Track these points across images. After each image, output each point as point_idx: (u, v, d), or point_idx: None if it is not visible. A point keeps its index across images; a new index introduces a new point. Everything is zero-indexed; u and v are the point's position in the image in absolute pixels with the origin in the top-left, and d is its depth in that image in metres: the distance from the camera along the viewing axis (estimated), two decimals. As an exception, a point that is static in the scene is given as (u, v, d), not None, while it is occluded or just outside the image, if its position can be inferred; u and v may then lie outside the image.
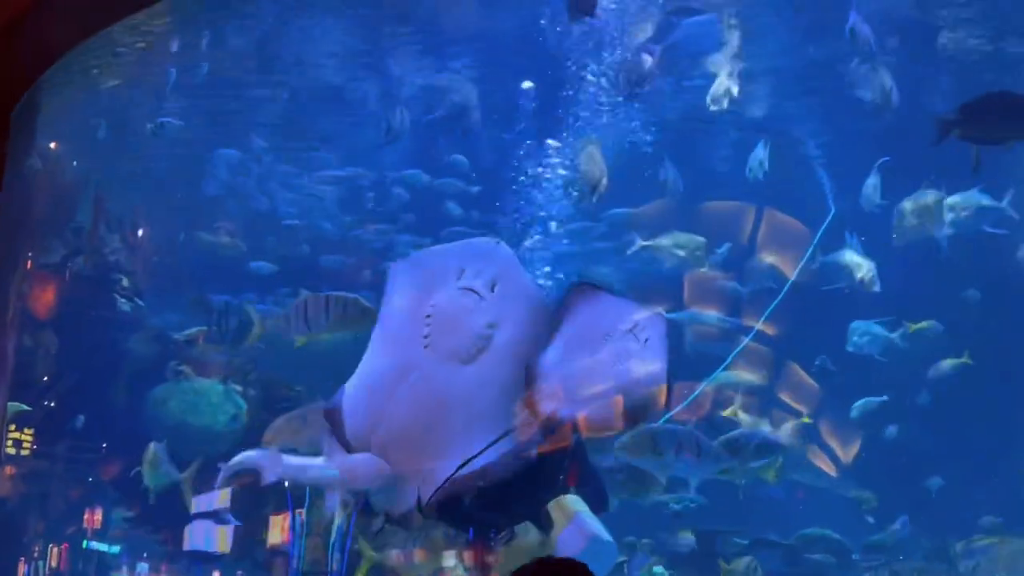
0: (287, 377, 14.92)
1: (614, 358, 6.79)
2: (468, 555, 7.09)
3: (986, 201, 12.49)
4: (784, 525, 14.02)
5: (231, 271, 16.03)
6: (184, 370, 14.49)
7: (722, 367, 13.43)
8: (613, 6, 11.69)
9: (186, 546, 12.04)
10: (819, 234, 13.63)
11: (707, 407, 13.20)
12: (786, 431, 13.34)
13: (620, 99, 12.29)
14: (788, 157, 13.58)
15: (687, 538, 13.44)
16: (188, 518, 12.06)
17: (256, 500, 11.94)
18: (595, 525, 7.49)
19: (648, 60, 11.05)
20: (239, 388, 14.72)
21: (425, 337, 5.35)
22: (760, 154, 12.64)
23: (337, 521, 9.44)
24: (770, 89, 13.76)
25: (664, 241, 12.88)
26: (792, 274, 13.57)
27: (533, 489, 6.92)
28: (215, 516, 11.92)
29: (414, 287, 5.53)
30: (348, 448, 5.80)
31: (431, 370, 5.38)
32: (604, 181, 10.91)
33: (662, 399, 7.85)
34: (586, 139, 11.58)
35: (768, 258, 14.05)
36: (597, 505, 7.52)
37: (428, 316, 5.38)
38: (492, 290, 5.31)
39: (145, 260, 16.14)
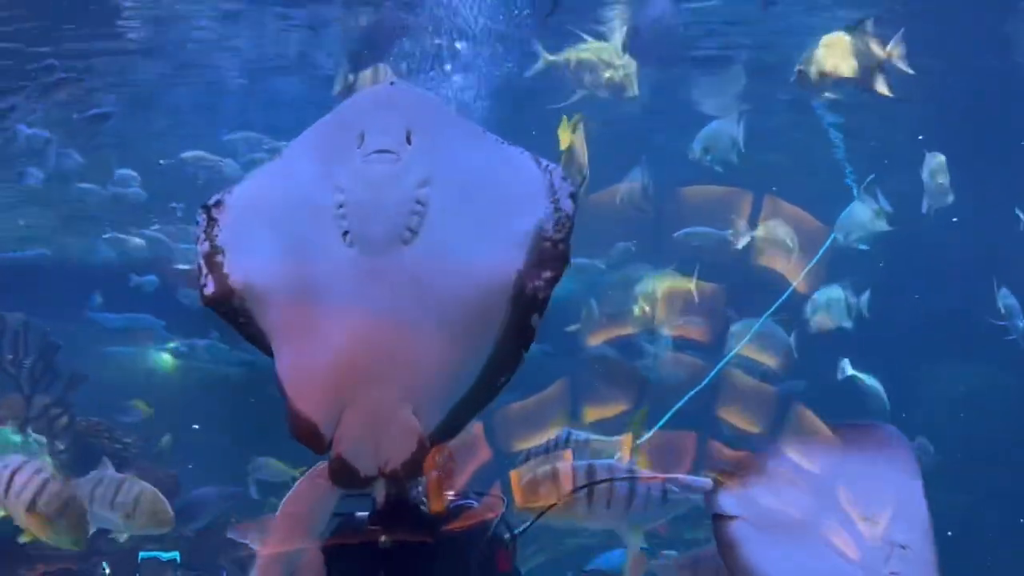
0: (113, 423, 13.20)
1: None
2: None
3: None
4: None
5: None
6: None
7: (683, 401, 11.11)
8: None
9: None
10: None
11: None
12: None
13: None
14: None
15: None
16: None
17: None
18: None
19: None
20: (43, 439, 11.93)
21: (345, 234, 4.02)
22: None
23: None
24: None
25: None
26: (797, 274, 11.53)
27: None
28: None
29: (309, 180, 4.21)
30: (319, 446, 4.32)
31: (365, 271, 4.07)
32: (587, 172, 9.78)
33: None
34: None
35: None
36: None
37: (340, 207, 4.04)
38: (408, 142, 4.05)
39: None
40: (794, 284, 11.92)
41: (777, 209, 11.80)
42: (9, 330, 11.88)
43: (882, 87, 9.32)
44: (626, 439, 9.92)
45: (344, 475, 4.27)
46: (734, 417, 12.56)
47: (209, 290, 4.21)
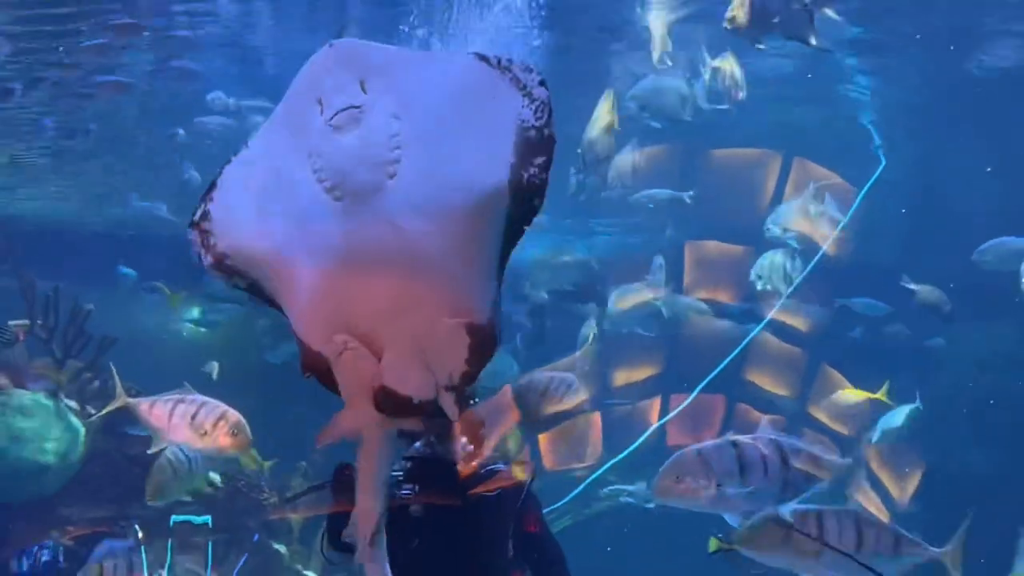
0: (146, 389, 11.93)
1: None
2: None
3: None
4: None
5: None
6: None
7: (728, 359, 11.64)
8: None
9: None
10: (865, 189, 11.97)
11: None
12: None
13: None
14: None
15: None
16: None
17: None
18: None
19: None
20: (75, 405, 11.86)
21: (331, 191, 4.11)
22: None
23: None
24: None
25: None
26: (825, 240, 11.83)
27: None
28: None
29: (285, 155, 4.27)
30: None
31: (363, 216, 4.16)
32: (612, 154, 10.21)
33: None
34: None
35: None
36: None
37: (319, 171, 4.12)
38: (364, 91, 4.11)
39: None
40: (824, 248, 11.90)
41: (806, 171, 11.74)
42: (40, 295, 11.76)
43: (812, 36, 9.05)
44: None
45: (399, 407, 4.33)
46: (764, 380, 12.58)
47: (207, 261, 4.33)
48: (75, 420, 11.65)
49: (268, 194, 4.30)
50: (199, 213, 4.36)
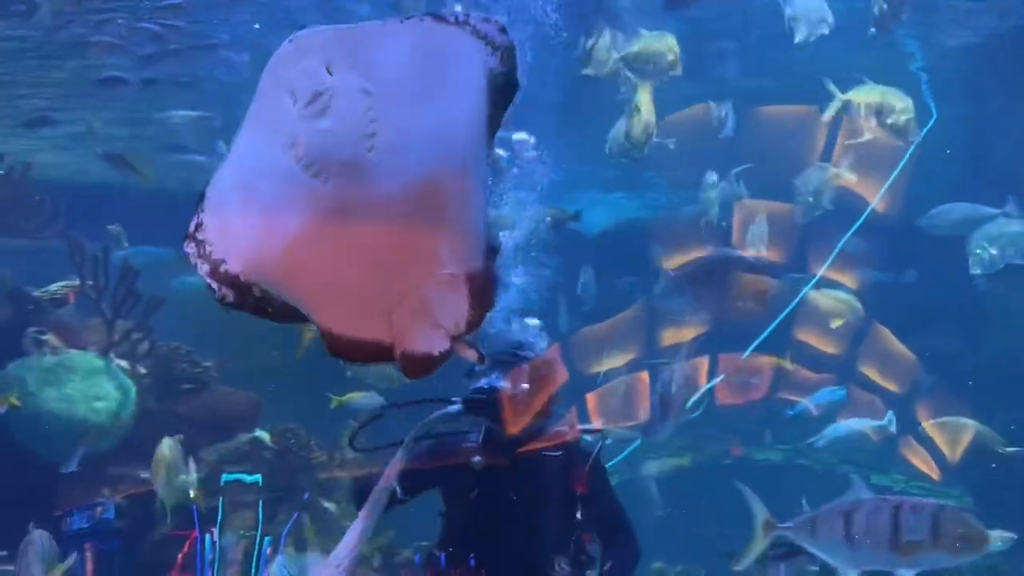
0: (193, 349, 12.92)
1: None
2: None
3: None
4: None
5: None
6: (48, 339, 11.74)
7: (772, 326, 11.82)
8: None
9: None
10: (914, 146, 11.66)
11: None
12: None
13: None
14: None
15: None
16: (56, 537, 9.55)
17: (148, 516, 10.33)
18: None
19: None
20: (125, 364, 11.92)
21: (316, 176, 4.18)
22: None
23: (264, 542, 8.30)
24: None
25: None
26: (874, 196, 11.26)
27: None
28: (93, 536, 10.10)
29: (267, 152, 4.28)
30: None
31: (349, 194, 4.24)
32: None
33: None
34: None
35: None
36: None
37: (300, 159, 4.18)
38: (331, 73, 4.19)
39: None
40: (872, 204, 11.79)
41: (851, 127, 11.56)
42: (89, 256, 11.80)
43: None
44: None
45: (422, 365, 4.43)
46: (812, 338, 12.49)
47: (230, 299, 4.38)
48: (126, 379, 11.72)
49: (256, 192, 4.35)
50: (193, 224, 4.39)
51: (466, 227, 4.44)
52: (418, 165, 4.25)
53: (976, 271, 11.49)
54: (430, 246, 4.36)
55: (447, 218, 4.35)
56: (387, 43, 4.36)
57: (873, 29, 10.84)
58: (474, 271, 4.48)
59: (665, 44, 10.43)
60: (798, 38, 10.76)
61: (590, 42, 10.52)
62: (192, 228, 4.41)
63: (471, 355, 4.64)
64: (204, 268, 4.37)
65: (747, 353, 11.27)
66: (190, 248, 4.40)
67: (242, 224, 4.38)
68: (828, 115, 11.23)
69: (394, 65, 4.33)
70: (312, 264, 4.36)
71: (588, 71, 10.74)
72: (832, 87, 11.02)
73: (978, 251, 11.39)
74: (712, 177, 11.99)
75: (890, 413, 12.22)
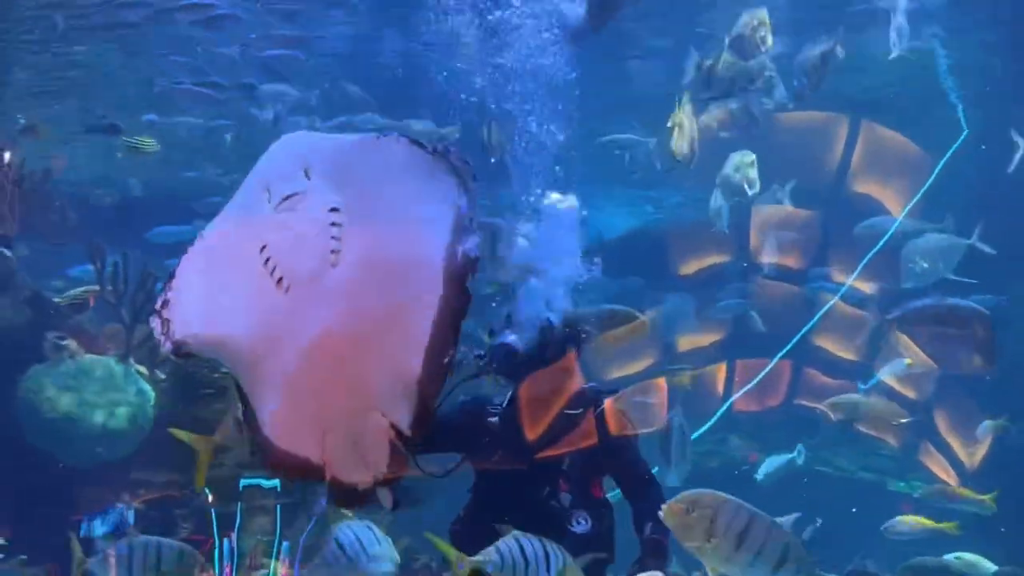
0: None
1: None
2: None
3: None
4: (887, 551, 11.71)
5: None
6: (67, 344, 11.64)
7: (800, 334, 11.81)
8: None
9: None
10: (944, 159, 11.82)
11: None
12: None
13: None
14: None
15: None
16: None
17: (167, 521, 10.42)
18: None
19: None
20: (144, 369, 11.87)
21: (279, 282, 4.27)
22: None
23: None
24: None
25: None
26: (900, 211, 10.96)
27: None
28: (111, 541, 9.16)
29: (236, 243, 4.42)
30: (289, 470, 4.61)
31: (303, 305, 4.32)
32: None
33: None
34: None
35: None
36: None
37: (267, 259, 4.29)
38: (308, 177, 4.27)
39: (16, 195, 13.31)
40: (901, 216, 11.76)
41: (875, 136, 11.58)
42: (109, 261, 11.71)
43: None
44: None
45: (345, 495, 4.56)
46: (830, 344, 12.49)
47: (167, 348, 4.50)
48: (145, 384, 11.69)
49: (221, 284, 4.44)
50: (160, 301, 4.54)
51: (407, 369, 4.40)
52: (374, 295, 4.30)
53: (908, 285, 11.46)
54: (367, 381, 4.37)
55: (389, 356, 4.35)
56: (366, 160, 4.43)
57: (791, 105, 10.80)
58: (402, 415, 4.46)
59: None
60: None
61: (706, 62, 10.23)
62: (159, 305, 4.55)
63: (387, 501, 4.82)
64: (167, 346, 4.49)
65: (776, 360, 11.25)
66: (155, 323, 4.53)
67: (202, 314, 4.46)
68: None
69: (368, 184, 4.40)
70: (261, 367, 4.42)
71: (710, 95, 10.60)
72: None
73: (910, 265, 11.36)
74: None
75: (800, 446, 12.33)
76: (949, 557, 10.78)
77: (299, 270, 4.30)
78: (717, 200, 11.66)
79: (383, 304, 4.36)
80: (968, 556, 10.73)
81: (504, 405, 5.92)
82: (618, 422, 6.13)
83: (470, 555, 5.12)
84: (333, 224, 4.32)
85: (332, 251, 4.31)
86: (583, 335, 6.07)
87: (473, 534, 5.66)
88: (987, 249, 10.78)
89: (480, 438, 5.85)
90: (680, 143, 9.83)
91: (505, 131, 10.09)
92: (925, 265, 11.28)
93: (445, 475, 5.79)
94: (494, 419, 5.89)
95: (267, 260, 4.33)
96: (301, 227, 4.29)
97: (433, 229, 4.40)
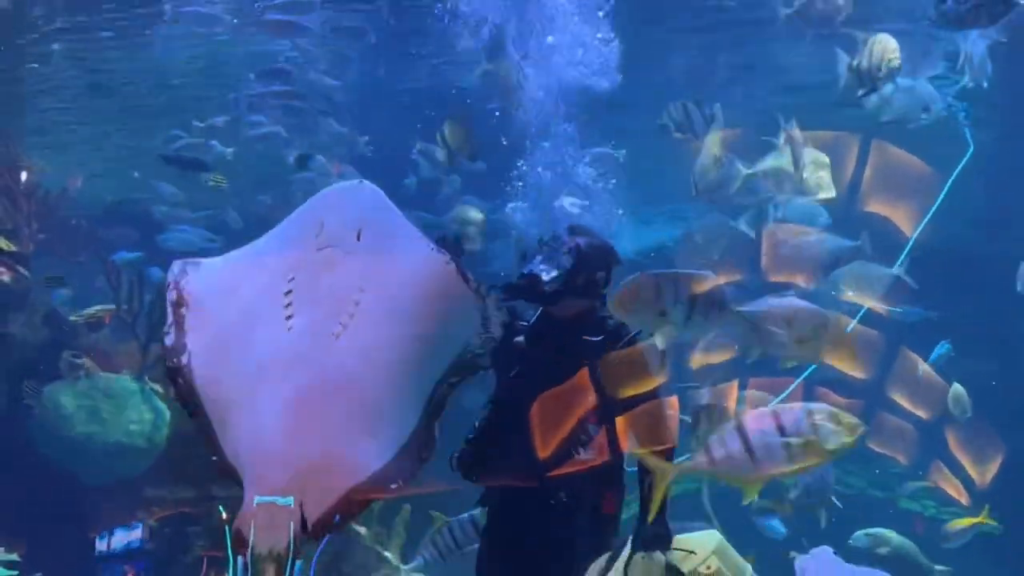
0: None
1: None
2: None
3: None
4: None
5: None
6: (83, 362, 11.74)
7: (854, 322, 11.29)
8: None
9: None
10: (953, 177, 11.50)
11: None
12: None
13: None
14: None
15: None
16: (91, 559, 10.01)
17: (180, 538, 10.55)
18: None
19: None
20: (159, 387, 11.83)
21: (288, 320, 4.28)
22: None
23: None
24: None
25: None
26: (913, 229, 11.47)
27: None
28: (126, 558, 10.09)
29: (269, 266, 4.48)
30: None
31: (298, 355, 4.28)
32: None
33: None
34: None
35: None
36: None
37: (288, 293, 4.32)
38: (358, 239, 4.32)
39: (32, 213, 13.64)
40: (916, 232, 11.68)
41: (884, 155, 11.49)
42: (125, 279, 11.83)
43: None
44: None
45: (316, 529, 4.49)
46: (839, 362, 12.41)
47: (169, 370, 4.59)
48: (159, 402, 11.75)
49: (231, 309, 4.48)
50: (170, 317, 4.72)
51: (382, 448, 4.37)
52: (361, 380, 4.28)
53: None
54: (344, 445, 4.32)
55: (367, 428, 4.32)
56: (409, 257, 4.44)
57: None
58: (367, 487, 4.42)
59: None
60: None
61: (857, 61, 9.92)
62: (169, 320, 4.72)
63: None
64: (168, 338, 4.68)
65: (799, 381, 11.18)
66: (168, 339, 4.67)
67: (208, 336, 4.53)
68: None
69: (400, 285, 4.42)
70: (240, 387, 4.42)
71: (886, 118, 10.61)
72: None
73: (833, 293, 11.34)
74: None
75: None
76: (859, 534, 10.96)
77: (308, 320, 4.34)
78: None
79: (364, 393, 4.38)
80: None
81: (530, 323, 5.95)
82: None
83: None
84: (354, 301, 4.37)
85: (340, 323, 4.33)
86: (614, 262, 5.99)
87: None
88: (910, 282, 10.71)
89: (505, 354, 5.73)
90: (711, 166, 9.76)
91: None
92: (851, 294, 11.27)
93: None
94: (520, 338, 5.88)
95: (288, 292, 4.39)
96: (328, 278, 4.37)
97: (436, 358, 4.47)
